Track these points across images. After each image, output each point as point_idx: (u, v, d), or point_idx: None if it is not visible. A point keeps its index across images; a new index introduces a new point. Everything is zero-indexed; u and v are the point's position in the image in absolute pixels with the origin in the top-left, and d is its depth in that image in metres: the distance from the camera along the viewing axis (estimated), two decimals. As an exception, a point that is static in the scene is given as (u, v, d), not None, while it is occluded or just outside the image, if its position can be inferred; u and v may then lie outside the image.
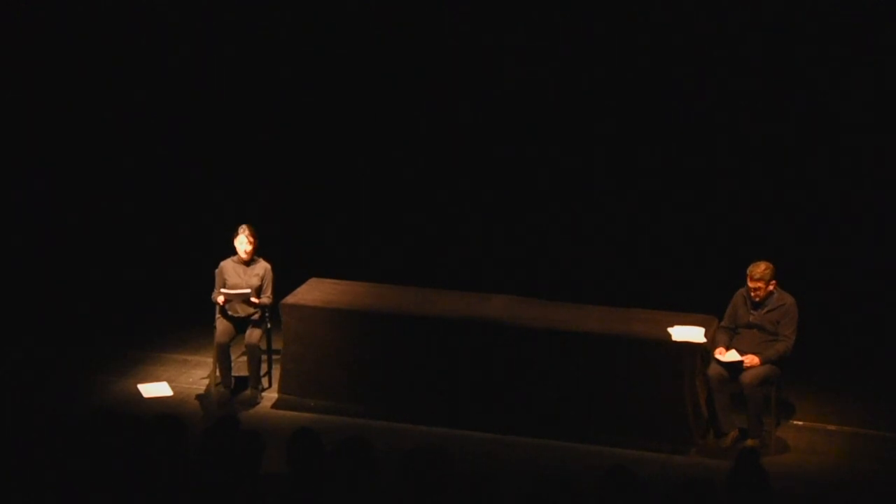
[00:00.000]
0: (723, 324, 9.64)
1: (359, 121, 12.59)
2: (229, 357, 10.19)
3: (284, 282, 10.33)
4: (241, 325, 10.21)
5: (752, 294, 9.45)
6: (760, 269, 9.42)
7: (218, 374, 10.20)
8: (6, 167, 12.72)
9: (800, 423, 9.90)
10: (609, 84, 11.93)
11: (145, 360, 10.88)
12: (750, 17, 11.49)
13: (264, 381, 10.38)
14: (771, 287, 9.45)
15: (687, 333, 9.51)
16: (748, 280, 9.45)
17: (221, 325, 10.16)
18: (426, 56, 12.31)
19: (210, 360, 10.38)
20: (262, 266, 10.24)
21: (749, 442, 9.38)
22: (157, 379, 10.51)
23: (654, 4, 11.73)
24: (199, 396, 10.27)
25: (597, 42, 11.86)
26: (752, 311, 9.52)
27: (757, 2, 11.50)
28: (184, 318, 11.44)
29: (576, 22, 11.86)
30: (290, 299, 10.19)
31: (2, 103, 12.72)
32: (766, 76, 11.56)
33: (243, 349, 10.23)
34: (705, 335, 9.52)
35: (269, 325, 10.30)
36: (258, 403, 10.18)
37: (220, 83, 12.71)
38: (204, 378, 10.51)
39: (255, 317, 10.20)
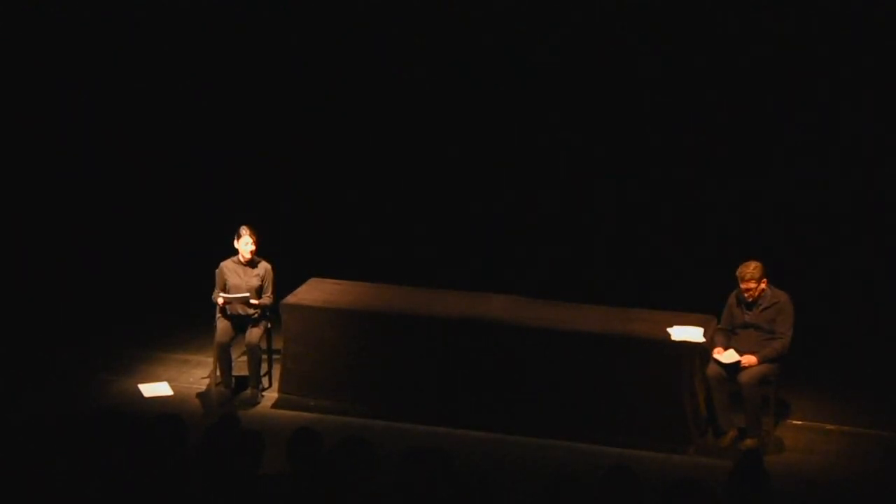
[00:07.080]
0: (720, 326, 9.66)
1: (359, 120, 12.58)
2: (230, 357, 10.20)
3: (284, 282, 10.34)
4: (241, 324, 10.22)
5: (746, 294, 9.46)
6: (750, 268, 9.43)
7: (218, 373, 10.21)
8: (7, 166, 12.72)
9: (798, 422, 9.91)
10: (609, 84, 11.93)
11: (145, 360, 10.89)
12: (749, 18, 11.49)
13: (264, 381, 10.40)
14: (763, 285, 9.46)
15: (686, 333, 9.52)
16: (739, 282, 9.46)
17: (222, 324, 10.17)
18: (426, 55, 12.31)
19: (210, 360, 10.39)
20: (263, 267, 10.25)
21: (748, 441, 9.39)
22: (158, 379, 10.52)
23: (654, 4, 11.73)
24: (199, 396, 10.28)
25: (596, 40, 11.86)
26: (746, 312, 9.52)
27: (755, 2, 11.52)
28: (184, 318, 11.44)
29: (578, 16, 11.87)
30: (291, 299, 10.21)
31: (2, 102, 12.73)
32: (765, 77, 11.56)
33: (243, 349, 10.24)
34: (704, 335, 9.54)
35: (269, 325, 10.31)
36: (258, 403, 10.19)
37: (221, 83, 12.71)
38: (204, 378, 10.51)
39: (255, 316, 10.22)
